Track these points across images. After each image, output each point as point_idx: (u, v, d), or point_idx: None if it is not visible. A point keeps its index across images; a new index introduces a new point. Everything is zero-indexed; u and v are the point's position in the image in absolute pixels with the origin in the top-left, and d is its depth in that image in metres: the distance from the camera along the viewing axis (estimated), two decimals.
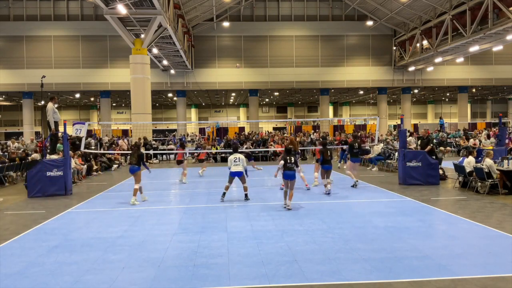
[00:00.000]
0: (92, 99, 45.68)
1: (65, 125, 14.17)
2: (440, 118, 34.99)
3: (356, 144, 12.57)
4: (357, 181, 12.39)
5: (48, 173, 11.77)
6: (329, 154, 11.35)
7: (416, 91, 44.65)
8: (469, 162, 11.55)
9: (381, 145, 19.09)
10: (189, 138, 35.04)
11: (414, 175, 12.62)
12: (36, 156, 15.18)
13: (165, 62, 31.12)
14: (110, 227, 7.99)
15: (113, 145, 23.20)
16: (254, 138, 26.23)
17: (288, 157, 9.24)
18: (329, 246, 6.45)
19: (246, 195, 10.46)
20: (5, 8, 32.98)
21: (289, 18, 35.30)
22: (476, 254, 6.01)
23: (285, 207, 9.40)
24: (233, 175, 10.16)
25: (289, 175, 9.22)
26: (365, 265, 5.57)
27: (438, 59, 30.63)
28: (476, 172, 10.98)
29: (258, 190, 12.22)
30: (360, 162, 12.46)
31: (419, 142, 14.47)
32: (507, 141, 16.52)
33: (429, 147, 13.18)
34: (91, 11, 33.60)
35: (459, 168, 11.84)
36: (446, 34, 27.65)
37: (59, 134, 13.74)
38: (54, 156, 12.82)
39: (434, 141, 14.89)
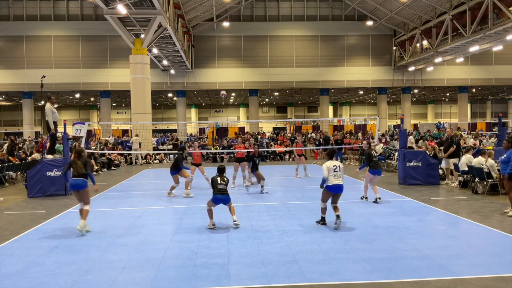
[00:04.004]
0: (92, 99, 45.69)
1: (65, 125, 14.17)
2: (439, 122, 35.49)
3: (373, 152, 10.49)
4: (366, 197, 10.32)
5: (48, 173, 11.77)
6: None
7: (416, 91, 44.65)
8: (467, 158, 11.56)
9: (381, 145, 19.11)
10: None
11: (414, 175, 12.62)
12: (36, 156, 15.17)
13: (165, 62, 31.12)
14: (110, 227, 7.99)
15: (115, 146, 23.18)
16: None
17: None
18: (329, 246, 6.45)
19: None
20: (5, 8, 32.97)
21: (289, 18, 35.30)
22: (476, 254, 6.02)
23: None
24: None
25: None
26: (365, 265, 5.57)
27: (438, 59, 30.62)
28: (476, 172, 10.98)
29: (258, 190, 12.22)
30: (380, 174, 10.08)
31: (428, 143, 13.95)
32: None
33: (451, 149, 12.30)
34: (91, 11, 33.59)
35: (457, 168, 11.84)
36: (446, 34, 27.65)
37: (58, 134, 13.74)
38: (49, 156, 12.80)
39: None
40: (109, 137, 27.63)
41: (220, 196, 7.58)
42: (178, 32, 26.55)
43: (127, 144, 23.54)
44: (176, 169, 11.36)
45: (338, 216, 7.61)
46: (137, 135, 22.82)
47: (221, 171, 7.85)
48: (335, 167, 7.67)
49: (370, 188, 10.22)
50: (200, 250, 6.35)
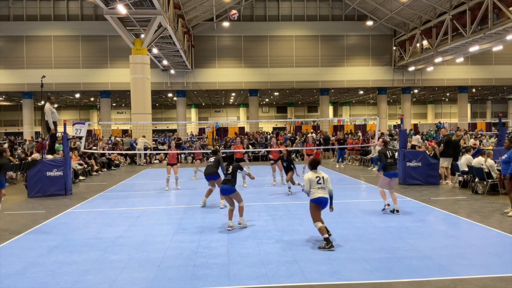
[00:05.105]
0: (92, 99, 45.68)
1: (65, 125, 14.17)
2: (439, 122, 35.62)
3: (389, 152, 8.99)
4: (388, 205, 8.93)
5: (48, 173, 11.78)
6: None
7: (416, 91, 44.65)
8: (467, 159, 11.59)
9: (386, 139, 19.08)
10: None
11: (414, 175, 12.62)
12: (36, 156, 15.17)
13: (165, 62, 31.12)
14: (110, 227, 8.00)
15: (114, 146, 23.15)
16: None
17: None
18: None
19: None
20: (5, 8, 32.97)
21: (289, 18, 35.30)
22: (476, 254, 6.02)
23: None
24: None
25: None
26: (365, 265, 5.57)
27: (438, 59, 30.62)
28: (476, 172, 10.98)
29: (258, 190, 12.22)
30: (397, 176, 9.01)
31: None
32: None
33: (441, 147, 12.81)
34: (91, 11, 33.59)
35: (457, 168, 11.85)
36: (446, 34, 27.64)
37: (58, 134, 13.73)
38: (49, 156, 12.81)
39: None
40: (112, 137, 27.58)
41: (224, 186, 7.67)
42: (178, 32, 26.55)
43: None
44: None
45: (328, 241, 6.37)
46: (144, 136, 22.77)
47: (228, 159, 7.96)
48: (318, 178, 6.62)
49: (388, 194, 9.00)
50: (200, 250, 6.35)
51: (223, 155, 9.29)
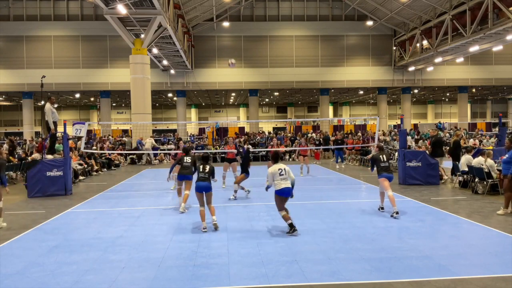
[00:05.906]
0: (92, 99, 45.70)
1: (65, 125, 14.18)
2: (439, 122, 35.72)
3: (383, 156, 9.00)
4: (382, 208, 9.06)
5: (48, 173, 11.78)
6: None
7: (416, 91, 44.67)
8: (467, 159, 11.60)
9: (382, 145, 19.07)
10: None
11: (414, 175, 12.63)
12: (36, 156, 15.18)
13: (165, 62, 31.12)
14: (110, 227, 8.00)
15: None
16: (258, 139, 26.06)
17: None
18: (329, 246, 6.45)
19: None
20: (5, 8, 32.98)
21: (289, 18, 35.31)
22: (476, 254, 6.02)
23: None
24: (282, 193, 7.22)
25: None
26: (365, 265, 5.57)
27: (438, 59, 30.63)
28: (476, 172, 10.98)
29: (259, 190, 12.21)
30: (390, 180, 8.78)
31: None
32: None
33: (429, 148, 13.17)
34: (91, 11, 33.60)
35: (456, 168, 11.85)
36: (446, 34, 27.65)
37: (58, 134, 13.74)
38: (49, 156, 12.81)
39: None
40: (109, 137, 27.57)
41: (201, 183, 7.57)
42: (178, 32, 26.55)
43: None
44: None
45: (291, 226, 7.04)
46: (151, 137, 22.76)
47: (204, 159, 7.95)
48: (280, 170, 7.16)
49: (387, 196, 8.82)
50: (200, 250, 6.35)
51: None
